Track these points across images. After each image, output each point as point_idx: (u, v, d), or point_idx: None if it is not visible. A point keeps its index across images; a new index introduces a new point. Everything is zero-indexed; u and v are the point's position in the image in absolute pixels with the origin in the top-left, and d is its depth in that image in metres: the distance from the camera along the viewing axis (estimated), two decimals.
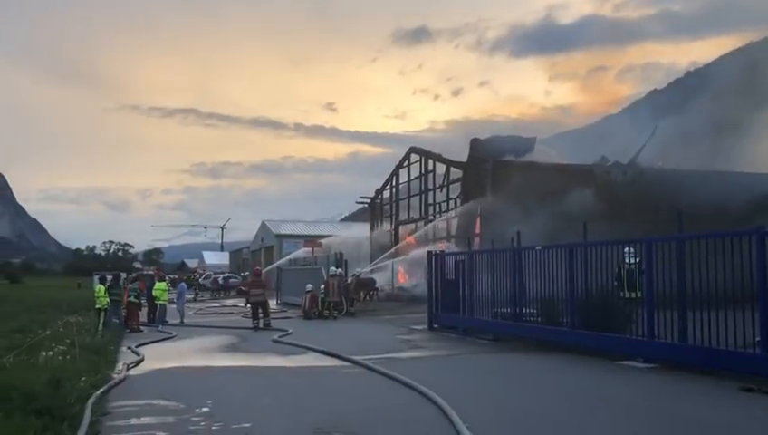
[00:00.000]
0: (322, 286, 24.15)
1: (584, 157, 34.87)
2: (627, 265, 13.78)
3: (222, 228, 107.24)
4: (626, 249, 13.73)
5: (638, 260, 13.62)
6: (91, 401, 8.30)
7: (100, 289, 19.18)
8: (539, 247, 14.07)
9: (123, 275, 23.06)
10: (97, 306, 18.92)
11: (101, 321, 18.35)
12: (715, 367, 9.79)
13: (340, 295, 23.95)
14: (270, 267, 40.63)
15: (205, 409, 8.34)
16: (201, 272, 70.76)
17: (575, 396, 9.03)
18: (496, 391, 9.57)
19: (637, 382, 9.85)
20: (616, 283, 13.66)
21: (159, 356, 14.00)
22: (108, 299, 18.98)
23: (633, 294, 13.57)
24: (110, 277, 21.05)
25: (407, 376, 9.97)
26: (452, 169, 31.30)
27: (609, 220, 18.82)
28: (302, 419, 7.81)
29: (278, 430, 7.24)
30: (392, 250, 34.44)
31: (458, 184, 30.29)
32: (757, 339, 9.29)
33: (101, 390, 9.32)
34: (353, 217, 79.68)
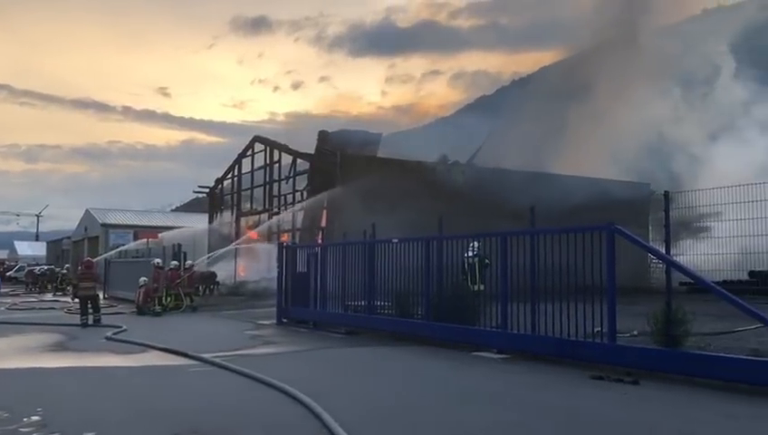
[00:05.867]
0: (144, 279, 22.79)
1: (424, 156, 35.85)
2: (470, 259, 14.23)
3: (38, 216, 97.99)
4: (473, 243, 14.18)
5: (480, 253, 14.12)
6: None
7: None
8: (396, 240, 14.06)
9: None
10: None
11: None
12: (565, 356, 10.25)
13: (163, 288, 22.69)
14: (97, 259, 37.55)
15: (35, 417, 7.24)
16: (13, 263, 64.15)
17: (438, 387, 9.01)
18: (359, 386, 9.30)
19: (494, 372, 10.06)
20: (463, 276, 14.04)
21: None
22: None
23: (476, 287, 14.04)
24: None
25: (263, 373, 9.42)
26: (298, 160, 30.81)
27: (453, 215, 19.35)
28: (153, 425, 7.03)
29: None
30: (234, 243, 33.23)
31: (305, 176, 29.86)
32: (599, 329, 9.88)
33: None
34: (187, 208, 76.39)
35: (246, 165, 35.63)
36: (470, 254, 14.25)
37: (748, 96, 39.36)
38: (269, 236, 31.69)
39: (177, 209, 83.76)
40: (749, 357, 8.71)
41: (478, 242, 14.08)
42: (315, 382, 9.21)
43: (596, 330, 9.93)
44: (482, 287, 13.73)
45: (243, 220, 35.71)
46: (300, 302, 17.10)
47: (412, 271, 13.52)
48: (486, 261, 13.50)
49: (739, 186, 9.55)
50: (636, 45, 36.23)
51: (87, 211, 61.43)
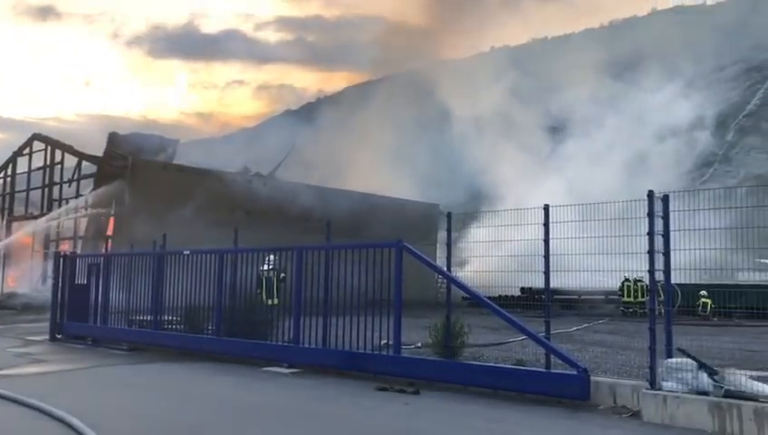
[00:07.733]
0: None
1: (224, 166, 35.12)
2: (265, 273, 14.11)
3: None
4: (269, 257, 14.06)
5: (276, 267, 14.07)
6: None
7: None
8: (187, 251, 13.47)
9: None
10: None
11: None
12: (354, 369, 10.47)
13: None
14: None
15: None
16: None
17: (223, 404, 8.73)
18: (137, 405, 8.72)
19: (283, 387, 9.98)
20: (258, 290, 13.85)
21: None
22: None
23: (271, 301, 13.94)
24: None
25: (30, 396, 8.47)
26: (84, 162, 28.49)
27: (251, 228, 19.09)
28: None
29: None
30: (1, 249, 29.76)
31: (91, 180, 27.66)
32: (386, 342, 10.28)
33: None
34: None
35: (23, 165, 32.18)
36: (266, 267, 14.09)
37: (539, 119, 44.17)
38: (46, 244, 28.88)
39: None
40: (515, 367, 9.53)
41: (274, 255, 13.98)
42: (86, 403, 8.51)
43: (383, 342, 10.31)
44: (276, 301, 13.63)
45: (15, 225, 32.14)
46: (78, 316, 15.70)
47: (204, 284, 13.03)
48: (282, 275, 13.44)
49: (516, 210, 10.44)
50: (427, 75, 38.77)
51: None
